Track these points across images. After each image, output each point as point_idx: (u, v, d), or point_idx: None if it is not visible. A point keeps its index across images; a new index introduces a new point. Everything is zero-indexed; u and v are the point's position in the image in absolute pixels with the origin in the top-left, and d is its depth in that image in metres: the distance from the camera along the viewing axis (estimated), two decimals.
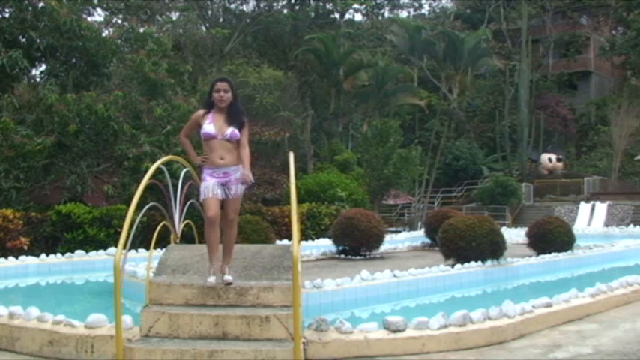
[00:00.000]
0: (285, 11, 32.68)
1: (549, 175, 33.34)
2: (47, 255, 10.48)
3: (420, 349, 4.89)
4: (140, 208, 5.10)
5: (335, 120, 31.43)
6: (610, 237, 17.32)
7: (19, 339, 5.04)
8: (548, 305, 6.03)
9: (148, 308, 4.93)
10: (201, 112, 5.22)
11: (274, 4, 32.93)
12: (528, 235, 11.74)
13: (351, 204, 17.41)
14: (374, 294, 7.55)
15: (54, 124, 13.06)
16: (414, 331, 4.98)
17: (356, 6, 35.93)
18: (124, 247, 4.57)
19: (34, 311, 5.22)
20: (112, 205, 13.14)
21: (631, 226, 20.77)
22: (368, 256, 11.66)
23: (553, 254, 10.75)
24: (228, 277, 5.05)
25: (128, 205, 5.96)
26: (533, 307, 5.87)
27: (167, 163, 6.20)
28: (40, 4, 14.26)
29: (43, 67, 15.63)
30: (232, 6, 33.86)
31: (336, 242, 11.71)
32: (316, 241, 13.98)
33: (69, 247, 11.33)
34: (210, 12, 33.43)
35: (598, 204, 25.94)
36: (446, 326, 5.08)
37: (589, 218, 25.20)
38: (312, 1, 34.08)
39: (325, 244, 12.78)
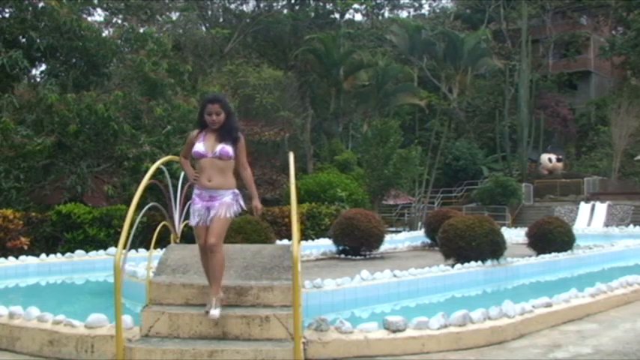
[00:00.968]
0: (285, 11, 32.68)
1: (549, 175, 33.32)
2: (47, 255, 10.48)
3: (420, 349, 4.89)
4: (140, 208, 5.08)
5: (335, 120, 31.41)
6: (610, 237, 17.30)
7: (19, 339, 5.04)
8: (548, 305, 6.03)
9: (148, 308, 4.93)
10: (195, 132, 5.01)
11: (274, 4, 32.95)
12: (528, 235, 11.73)
13: (351, 204, 17.39)
14: (374, 294, 7.55)
15: (54, 124, 13.06)
16: (414, 331, 4.98)
17: (356, 6, 35.91)
18: (124, 247, 4.57)
19: (34, 311, 5.22)
20: (112, 205, 13.15)
21: (631, 226, 20.74)
22: (368, 256, 11.64)
23: (553, 254, 10.74)
24: (214, 313, 4.60)
25: (128, 205, 5.96)
26: (533, 307, 5.87)
27: (167, 163, 6.19)
28: (40, 4, 14.26)
29: (43, 67, 15.64)
30: (232, 6, 33.87)
31: (336, 242, 11.71)
32: (316, 241, 13.97)
33: (69, 247, 11.34)
34: (210, 12, 33.43)
35: (598, 204, 25.92)
36: (446, 326, 5.08)
37: (589, 218, 25.18)
38: (312, 1, 34.09)
39: (325, 244, 12.78)
